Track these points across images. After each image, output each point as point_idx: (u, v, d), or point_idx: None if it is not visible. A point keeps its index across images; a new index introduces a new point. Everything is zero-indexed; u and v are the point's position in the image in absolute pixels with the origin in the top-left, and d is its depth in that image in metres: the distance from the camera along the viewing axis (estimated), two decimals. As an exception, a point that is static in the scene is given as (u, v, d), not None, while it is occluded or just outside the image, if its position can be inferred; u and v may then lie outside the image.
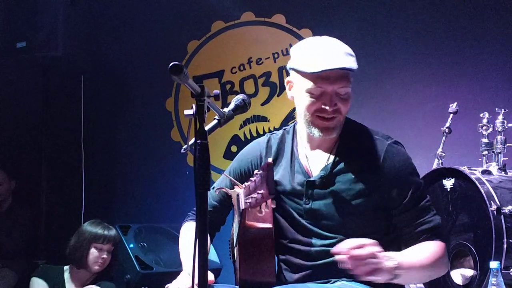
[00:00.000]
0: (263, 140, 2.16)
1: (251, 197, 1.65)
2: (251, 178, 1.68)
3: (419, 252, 1.92)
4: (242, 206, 1.76)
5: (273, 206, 1.76)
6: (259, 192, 1.60)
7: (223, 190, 2.02)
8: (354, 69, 1.92)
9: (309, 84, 1.93)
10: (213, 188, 2.18)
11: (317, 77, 1.91)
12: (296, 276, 1.99)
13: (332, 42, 1.97)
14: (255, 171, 1.69)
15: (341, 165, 1.99)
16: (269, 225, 1.94)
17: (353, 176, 1.97)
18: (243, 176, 2.12)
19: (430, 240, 1.95)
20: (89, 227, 3.38)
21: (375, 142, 2.00)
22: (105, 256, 3.33)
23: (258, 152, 2.13)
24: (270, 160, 1.62)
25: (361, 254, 1.71)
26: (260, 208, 1.69)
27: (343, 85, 1.92)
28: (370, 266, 1.72)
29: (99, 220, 3.48)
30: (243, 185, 1.78)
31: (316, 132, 1.97)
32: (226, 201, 2.14)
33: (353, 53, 1.96)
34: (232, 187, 2.10)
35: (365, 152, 1.99)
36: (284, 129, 2.16)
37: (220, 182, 2.21)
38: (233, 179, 2.00)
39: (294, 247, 2.01)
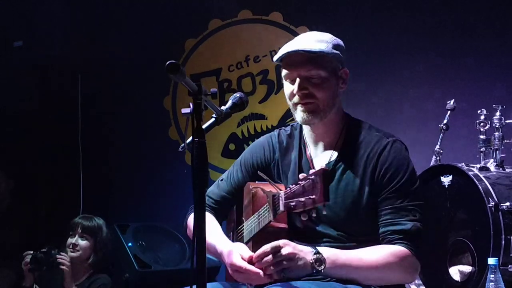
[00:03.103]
0: (274, 134, 2.19)
1: (297, 200, 1.61)
2: (300, 182, 1.64)
3: (364, 252, 1.89)
4: (281, 208, 1.72)
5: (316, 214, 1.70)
6: (310, 197, 1.56)
7: (262, 176, 1.92)
8: (315, 51, 1.94)
9: (283, 71, 2.02)
10: (221, 180, 2.22)
11: (286, 64, 2.00)
12: None
13: (309, 33, 2.05)
14: (304, 175, 1.66)
15: (343, 162, 2.01)
16: (284, 226, 1.96)
17: (353, 173, 1.99)
18: (254, 168, 2.14)
19: (394, 243, 1.90)
20: None
21: (375, 140, 2.02)
22: (73, 241, 3.35)
23: (271, 146, 2.16)
24: (324, 166, 1.59)
25: (266, 260, 1.77)
26: (303, 211, 1.66)
27: (309, 69, 1.95)
28: (279, 268, 1.77)
29: (90, 215, 3.50)
30: (287, 186, 1.74)
31: (297, 117, 2.02)
32: (236, 194, 2.17)
33: (328, 40, 2.00)
34: (241, 182, 2.14)
35: (365, 150, 2.01)
36: (292, 126, 2.19)
37: (230, 174, 2.21)
38: (267, 177, 1.94)
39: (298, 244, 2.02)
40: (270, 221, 1.84)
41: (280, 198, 1.74)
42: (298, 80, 1.97)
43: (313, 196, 1.56)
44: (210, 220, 2.11)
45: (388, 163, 1.96)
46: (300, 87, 1.97)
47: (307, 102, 1.98)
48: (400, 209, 1.92)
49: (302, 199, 1.59)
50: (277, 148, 2.14)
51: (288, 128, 2.18)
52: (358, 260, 1.86)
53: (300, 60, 1.97)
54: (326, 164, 2.01)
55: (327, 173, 1.55)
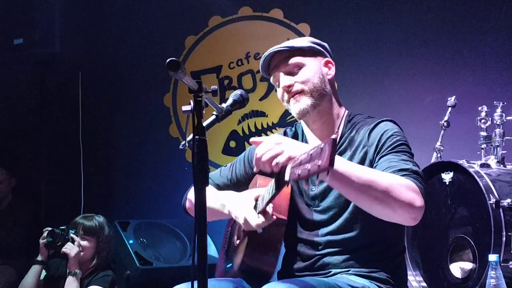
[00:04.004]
0: (280, 133, 2.25)
1: (303, 168, 1.54)
2: (308, 151, 1.57)
3: (369, 168, 1.85)
4: (287, 177, 1.62)
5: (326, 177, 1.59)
6: (316, 163, 1.50)
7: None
8: (289, 46, 2.06)
9: (270, 78, 2.14)
10: (225, 166, 2.29)
11: (270, 69, 2.12)
12: (303, 264, 2.04)
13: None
14: (313, 145, 1.60)
15: (341, 151, 2.06)
16: (284, 218, 1.98)
17: (348, 158, 2.01)
18: None
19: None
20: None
21: (369, 123, 2.06)
22: (78, 242, 3.34)
23: None
24: (333, 136, 1.58)
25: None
26: (308, 180, 1.59)
27: (287, 64, 2.07)
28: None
29: (92, 214, 3.50)
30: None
31: (293, 112, 2.07)
32: (235, 183, 2.21)
33: (302, 39, 2.13)
34: (242, 172, 2.20)
35: (358, 135, 2.05)
36: (296, 124, 2.25)
37: (233, 163, 2.27)
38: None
39: (301, 237, 2.06)
40: (274, 195, 1.79)
41: (286, 168, 1.67)
42: (281, 75, 2.07)
43: (319, 162, 1.50)
44: (211, 190, 2.17)
45: (382, 131, 1.99)
46: (284, 80, 2.06)
47: (295, 93, 2.05)
48: (400, 160, 1.89)
49: (308, 166, 1.53)
50: None
51: (293, 128, 2.24)
52: (364, 170, 1.79)
53: (279, 60, 2.08)
54: None
55: (335, 141, 1.52)
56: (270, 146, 1.73)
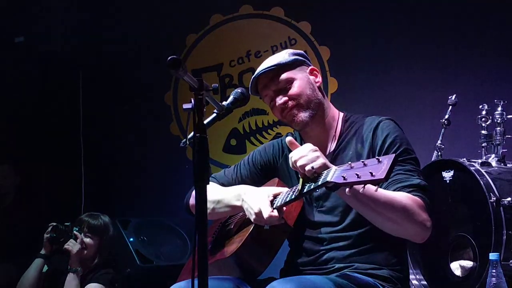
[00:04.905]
0: (283, 138, 2.27)
1: (351, 174, 1.56)
2: (362, 160, 1.60)
3: (383, 190, 1.86)
4: (330, 178, 1.64)
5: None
6: (370, 171, 1.52)
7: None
8: (274, 64, 2.10)
9: (263, 99, 2.17)
10: (229, 167, 2.29)
11: (260, 90, 2.15)
12: (308, 259, 2.06)
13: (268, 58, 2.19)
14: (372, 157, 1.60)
15: (340, 151, 2.08)
16: (291, 225, 2.00)
17: (349, 157, 2.03)
18: (262, 166, 2.23)
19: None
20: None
21: (368, 122, 2.07)
22: (80, 240, 3.34)
23: (281, 147, 2.24)
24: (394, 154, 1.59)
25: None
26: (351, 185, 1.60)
27: (277, 81, 2.10)
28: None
29: (97, 213, 3.51)
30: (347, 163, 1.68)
31: (294, 127, 2.11)
32: (245, 182, 2.20)
33: (283, 54, 2.15)
34: (247, 175, 2.21)
35: (360, 133, 2.07)
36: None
37: (237, 165, 2.27)
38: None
39: (307, 235, 2.08)
40: (299, 196, 1.78)
41: (331, 171, 1.68)
42: (274, 96, 2.10)
43: (374, 172, 1.52)
44: (218, 187, 2.20)
45: (384, 135, 2.01)
46: (279, 98, 2.09)
47: (291, 107, 2.07)
48: (406, 171, 1.94)
49: (359, 172, 1.55)
50: (286, 149, 2.20)
51: (296, 133, 2.25)
52: (379, 192, 1.82)
53: (267, 79, 2.11)
54: (327, 155, 2.05)
55: (397, 158, 1.56)
56: (305, 152, 1.78)
